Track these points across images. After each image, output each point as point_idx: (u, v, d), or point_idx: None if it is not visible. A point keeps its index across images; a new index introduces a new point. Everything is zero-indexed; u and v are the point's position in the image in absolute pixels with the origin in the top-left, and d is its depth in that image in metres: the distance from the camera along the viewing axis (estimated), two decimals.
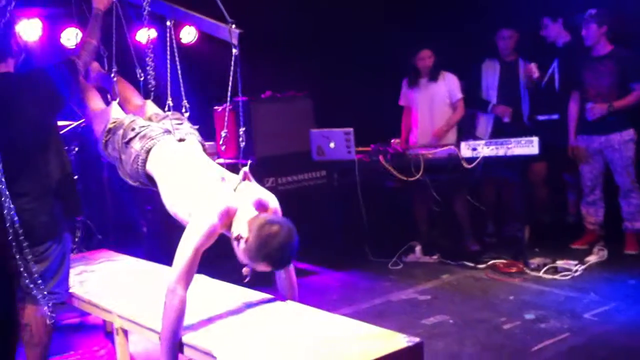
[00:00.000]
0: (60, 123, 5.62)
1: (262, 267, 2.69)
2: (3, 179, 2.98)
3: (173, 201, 2.94)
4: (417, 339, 2.49)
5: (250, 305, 3.01)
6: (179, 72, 3.23)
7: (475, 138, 5.83)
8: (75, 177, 5.97)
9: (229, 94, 2.99)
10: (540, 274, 4.97)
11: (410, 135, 6.14)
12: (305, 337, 2.58)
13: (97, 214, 6.25)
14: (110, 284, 3.66)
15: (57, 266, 3.29)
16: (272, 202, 2.89)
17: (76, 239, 5.99)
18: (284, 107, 6.56)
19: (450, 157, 5.30)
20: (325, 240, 5.98)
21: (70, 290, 3.51)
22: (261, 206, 2.82)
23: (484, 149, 5.12)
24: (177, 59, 3.20)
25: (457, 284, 5.04)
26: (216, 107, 6.45)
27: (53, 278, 3.28)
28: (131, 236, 6.03)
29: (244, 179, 2.87)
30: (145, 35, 3.51)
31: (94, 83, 3.82)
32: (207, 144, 4.44)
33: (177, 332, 2.63)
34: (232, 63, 2.88)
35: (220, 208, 2.68)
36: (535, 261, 5.13)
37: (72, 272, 3.81)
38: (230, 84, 2.96)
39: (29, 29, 6.14)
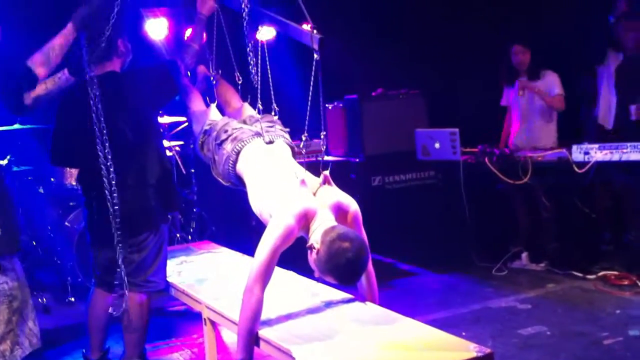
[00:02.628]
0: (175, 119, 5.98)
1: (330, 280, 2.73)
2: (112, 171, 3.18)
3: (257, 202, 3.04)
4: (487, 350, 2.43)
5: (329, 304, 3.05)
6: (269, 73, 3.30)
7: (597, 127, 5.52)
8: (192, 170, 6.40)
9: (320, 96, 2.99)
10: None
11: (511, 136, 5.94)
12: (375, 341, 2.59)
13: (211, 207, 6.56)
14: (206, 275, 3.82)
15: (154, 256, 3.48)
16: (352, 206, 2.90)
17: (191, 230, 6.33)
18: (395, 105, 6.55)
19: (560, 160, 5.07)
20: (428, 242, 5.93)
21: (168, 279, 3.70)
22: (340, 210, 2.85)
23: (597, 153, 4.85)
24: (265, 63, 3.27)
25: (562, 294, 4.82)
26: (327, 105, 6.56)
27: (150, 267, 3.47)
28: (241, 230, 6.25)
29: (324, 183, 2.90)
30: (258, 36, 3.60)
31: (199, 85, 4.00)
32: (314, 141, 4.55)
33: (253, 330, 2.71)
34: (313, 68, 2.91)
35: (298, 211, 2.73)
36: None
37: (173, 262, 4.04)
38: (314, 85, 2.99)
39: (156, 27, 6.54)
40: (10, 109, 3.15)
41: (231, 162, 3.22)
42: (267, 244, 2.71)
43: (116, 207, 3.18)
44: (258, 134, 3.27)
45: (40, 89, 3.04)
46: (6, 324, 2.78)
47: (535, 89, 5.66)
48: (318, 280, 2.96)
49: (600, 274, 5.06)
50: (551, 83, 5.69)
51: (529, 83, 5.69)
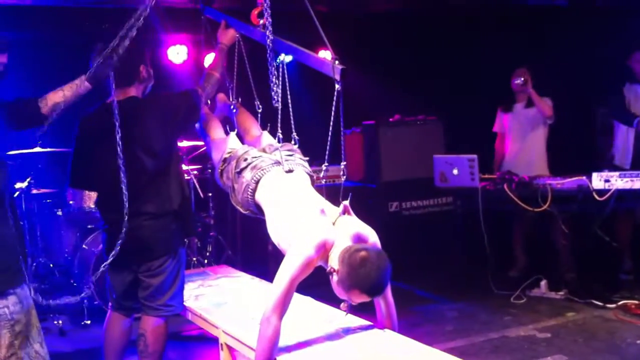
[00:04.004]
0: (193, 143, 6.01)
1: (358, 297, 2.69)
2: (126, 195, 3.16)
3: (276, 231, 3.03)
4: None
5: (347, 331, 3.02)
6: (289, 102, 3.30)
7: (613, 167, 5.50)
8: (210, 194, 6.42)
9: (341, 122, 2.99)
10: None
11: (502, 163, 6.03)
12: None
13: (228, 231, 6.57)
14: (223, 299, 3.81)
15: (172, 280, 3.47)
16: (372, 236, 2.87)
17: (207, 254, 6.34)
18: (413, 131, 6.58)
19: (580, 188, 5.02)
20: (446, 269, 5.89)
21: (185, 303, 3.69)
22: (360, 240, 2.82)
23: (618, 181, 4.81)
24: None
25: (582, 323, 4.75)
26: (345, 131, 6.57)
27: (168, 291, 3.46)
28: (258, 254, 6.24)
29: (343, 213, 2.88)
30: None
31: (219, 113, 4.03)
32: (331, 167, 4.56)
33: (271, 357, 2.69)
34: (335, 98, 2.92)
35: (317, 241, 2.72)
36: None
37: (190, 286, 4.03)
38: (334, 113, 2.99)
39: (176, 54, 6.65)
40: (27, 121, 3.10)
41: (250, 190, 3.22)
42: (285, 273, 2.69)
43: (132, 232, 3.17)
44: (277, 163, 3.27)
45: (57, 97, 3.01)
46: (7, 348, 2.77)
47: (532, 92, 5.75)
48: (340, 308, 2.92)
49: (621, 303, 4.99)
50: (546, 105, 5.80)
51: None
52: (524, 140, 5.92)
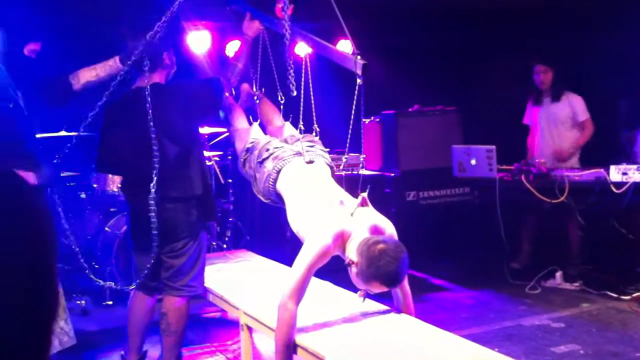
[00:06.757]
0: (215, 130, 6.09)
1: (376, 288, 2.76)
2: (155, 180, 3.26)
3: (295, 220, 3.11)
4: None
5: (365, 315, 3.11)
6: (312, 94, 3.37)
7: (633, 162, 5.50)
8: (230, 180, 6.51)
9: (352, 112, 3.07)
10: None
11: (534, 152, 6.02)
12: (408, 351, 2.63)
13: (246, 217, 6.66)
14: (242, 282, 3.91)
15: (194, 262, 3.57)
16: (389, 228, 2.95)
17: (226, 239, 6.43)
18: (431, 122, 6.60)
19: (598, 180, 5.05)
20: (463, 258, 5.94)
21: (206, 285, 3.78)
22: (377, 232, 2.89)
23: (635, 174, 4.83)
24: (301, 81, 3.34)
25: (596, 314, 4.79)
26: (364, 120, 6.62)
27: (189, 273, 3.56)
28: (275, 240, 6.32)
29: (361, 205, 2.95)
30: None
31: (243, 103, 4.10)
32: (351, 155, 4.62)
33: (290, 340, 2.78)
34: (356, 92, 2.99)
35: (335, 230, 2.80)
36: None
37: (211, 269, 4.13)
38: (353, 103, 3.06)
39: (199, 41, 6.70)
40: (59, 97, 3.17)
41: (272, 180, 3.30)
42: (303, 261, 2.77)
43: (154, 216, 3.27)
44: (299, 154, 3.35)
45: (90, 75, 3.09)
46: None
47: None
48: (358, 295, 2.99)
49: (635, 295, 5.02)
50: (578, 107, 5.78)
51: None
52: (551, 135, 5.89)
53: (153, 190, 3.24)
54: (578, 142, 5.79)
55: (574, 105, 5.80)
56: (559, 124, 5.86)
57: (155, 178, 3.19)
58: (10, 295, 0.89)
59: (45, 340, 0.95)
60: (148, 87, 3.22)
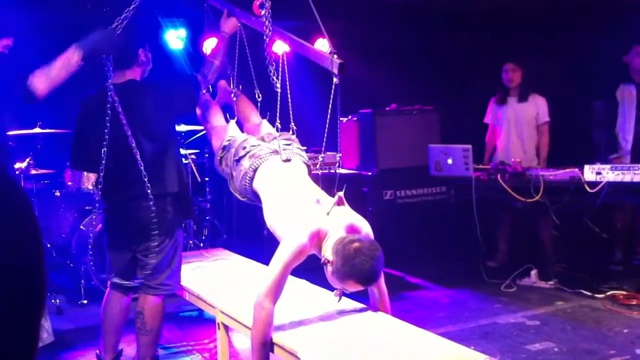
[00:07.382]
0: (191, 128, 6.06)
1: (352, 287, 2.76)
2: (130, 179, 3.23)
3: (272, 219, 3.10)
4: None
5: (342, 313, 3.10)
6: (289, 92, 3.37)
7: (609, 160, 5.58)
8: (207, 178, 6.48)
9: (328, 112, 3.07)
10: None
11: (493, 154, 6.11)
12: (384, 348, 2.64)
13: (223, 215, 6.63)
14: (219, 280, 3.88)
15: (170, 260, 3.54)
16: (365, 227, 2.94)
17: (203, 237, 6.41)
18: (409, 121, 6.63)
19: (572, 180, 5.10)
20: (439, 256, 5.97)
21: (182, 283, 3.76)
22: (353, 231, 2.89)
23: (609, 174, 4.88)
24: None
25: (570, 312, 4.84)
26: (342, 119, 6.63)
27: (165, 271, 3.53)
28: (252, 238, 6.31)
29: (338, 204, 2.95)
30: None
31: (220, 100, 4.08)
32: (328, 153, 4.59)
33: (266, 338, 2.76)
34: (332, 91, 2.99)
35: (311, 229, 2.80)
36: None
37: (188, 267, 4.10)
38: (330, 102, 3.06)
39: (175, 38, 6.67)
40: (19, 101, 3.13)
41: (248, 178, 3.28)
42: (280, 260, 2.76)
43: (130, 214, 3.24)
44: (275, 152, 3.34)
45: (49, 77, 3.03)
46: None
47: None
48: (334, 295, 3.00)
49: (609, 293, 5.08)
50: (542, 108, 5.89)
51: None
52: (517, 134, 5.97)
53: (129, 188, 3.21)
54: (543, 149, 5.93)
55: (539, 106, 5.89)
56: (524, 124, 5.94)
57: (131, 176, 3.16)
58: (2, 291, 0.88)
59: (35, 337, 0.94)
60: (120, 84, 3.18)
